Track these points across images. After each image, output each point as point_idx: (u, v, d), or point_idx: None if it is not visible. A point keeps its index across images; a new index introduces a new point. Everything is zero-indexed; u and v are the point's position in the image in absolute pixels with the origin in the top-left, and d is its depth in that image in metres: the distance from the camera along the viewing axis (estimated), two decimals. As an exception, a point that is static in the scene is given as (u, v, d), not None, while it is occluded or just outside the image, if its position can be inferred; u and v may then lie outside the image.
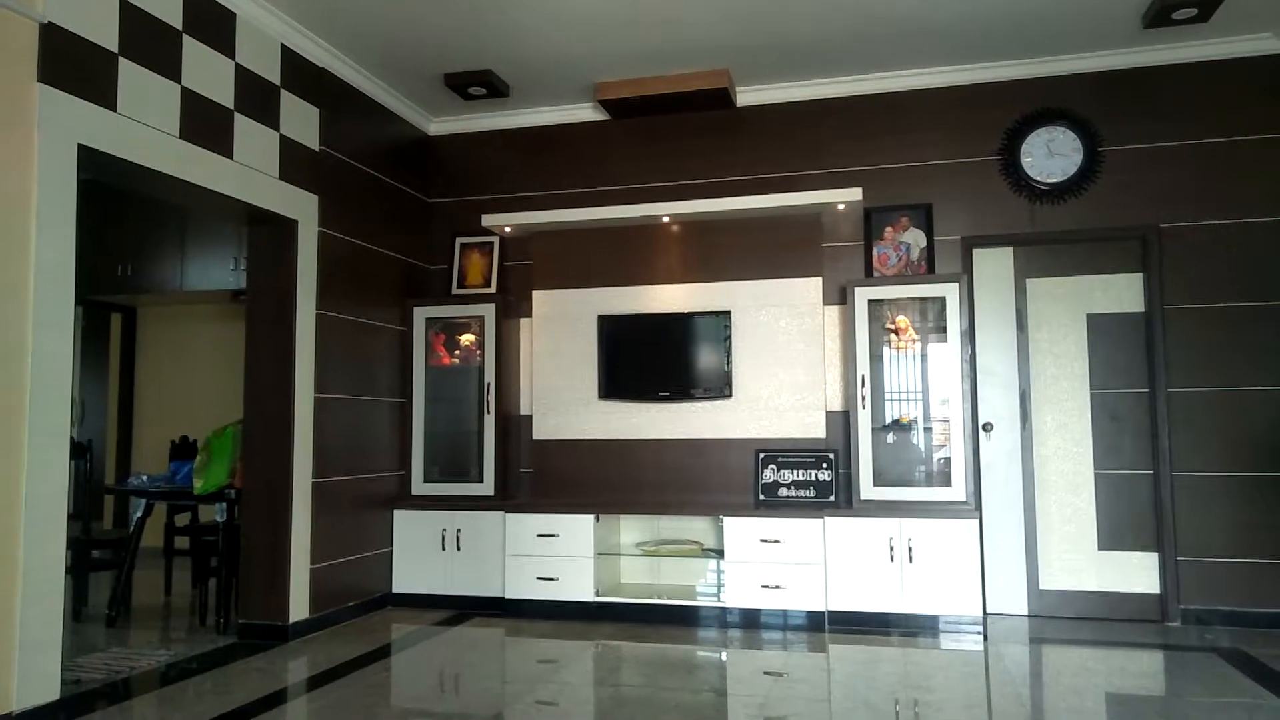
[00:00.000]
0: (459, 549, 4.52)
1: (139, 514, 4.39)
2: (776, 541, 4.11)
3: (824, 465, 4.34)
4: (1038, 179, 4.30)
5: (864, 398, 4.19)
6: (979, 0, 3.74)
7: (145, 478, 4.46)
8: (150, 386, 6.42)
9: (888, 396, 4.33)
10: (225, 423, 4.38)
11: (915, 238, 4.42)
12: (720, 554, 4.24)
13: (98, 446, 6.04)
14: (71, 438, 2.96)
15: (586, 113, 4.92)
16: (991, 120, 4.40)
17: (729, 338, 4.52)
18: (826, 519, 4.08)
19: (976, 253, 4.43)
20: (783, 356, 4.50)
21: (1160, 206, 4.19)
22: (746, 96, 4.68)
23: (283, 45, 3.90)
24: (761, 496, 4.38)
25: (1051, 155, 4.29)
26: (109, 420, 6.28)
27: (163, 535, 5.02)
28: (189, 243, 5.45)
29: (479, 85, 4.56)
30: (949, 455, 4.12)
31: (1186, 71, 4.20)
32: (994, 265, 4.41)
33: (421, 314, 4.78)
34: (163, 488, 4.31)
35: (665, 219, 4.61)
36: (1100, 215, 4.25)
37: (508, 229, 4.79)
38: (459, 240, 5.01)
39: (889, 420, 4.32)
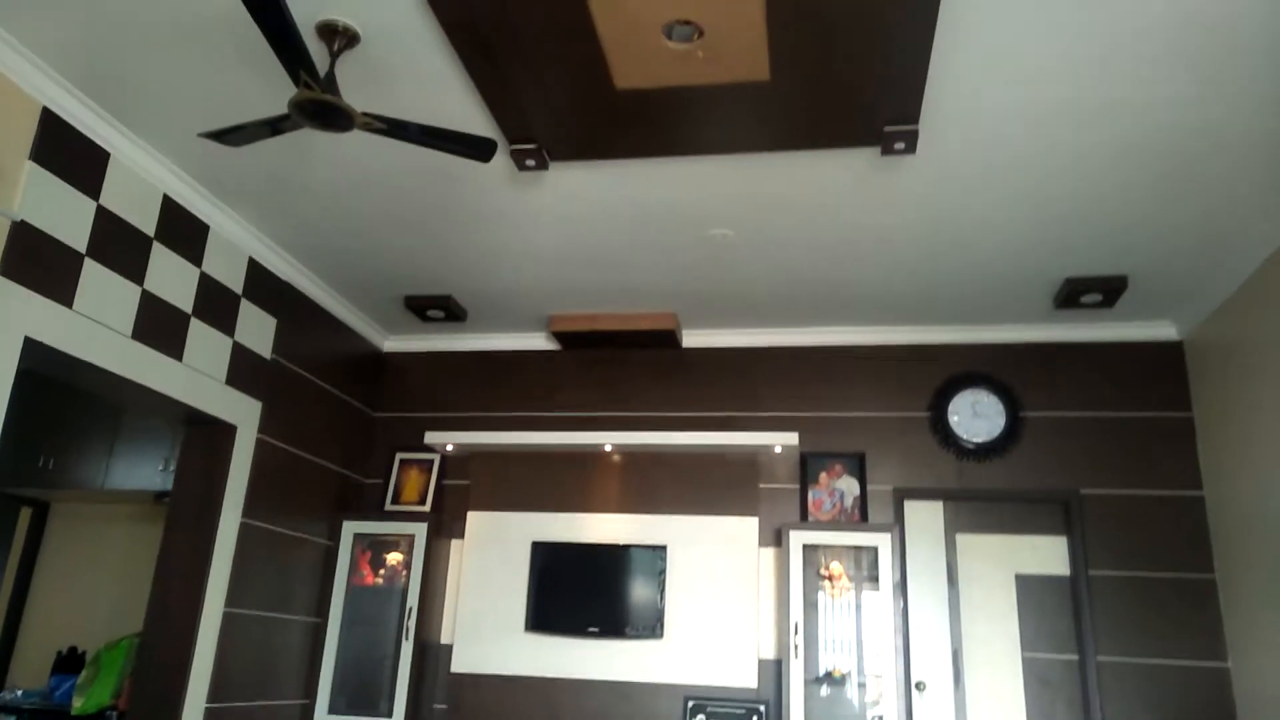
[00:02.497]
0: (357, 793, 4.13)
1: (3, 734, 3.98)
2: (701, 801, 3.84)
3: (754, 719, 4.15)
4: (964, 438, 4.49)
5: (797, 646, 4.10)
6: (904, 275, 4.08)
7: (19, 693, 4.08)
8: (48, 588, 6.00)
9: (821, 646, 4.24)
10: (123, 634, 4.08)
11: (849, 485, 4.52)
12: (641, 813, 3.94)
13: (-26, 651, 5.53)
14: (-52, 643, 2.73)
15: (539, 341, 5.09)
16: (921, 378, 4.65)
17: (663, 572, 4.45)
18: (755, 778, 3.85)
19: (908, 504, 4.52)
20: (717, 597, 4.42)
21: (1080, 473, 4.38)
22: (692, 339, 4.91)
23: (250, 258, 4.03)
24: (688, 749, 4.14)
25: (976, 416, 4.51)
26: (-7, 622, 5.80)
27: (25, 760, 4.51)
28: (119, 439, 5.30)
29: (438, 309, 4.73)
30: (883, 714, 3.99)
31: (1097, 350, 4.54)
32: (925, 517, 4.50)
33: (351, 529, 4.65)
34: (36, 705, 3.94)
35: (607, 448, 4.67)
36: (1024, 477, 4.42)
37: (450, 448, 4.79)
38: (399, 455, 4.98)
39: (822, 672, 4.20)
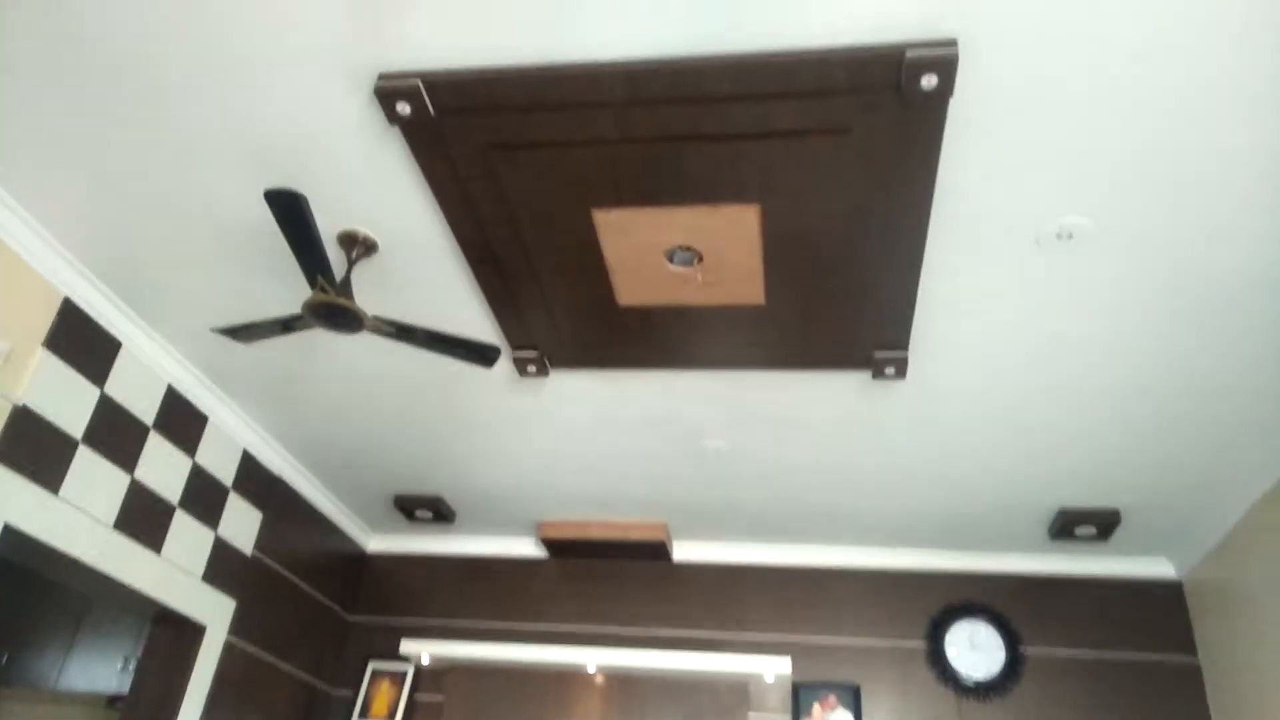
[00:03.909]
0: None
1: None
2: None
3: None
4: (963, 673, 4.29)
5: None
6: (897, 497, 4.07)
7: None
8: (-27, 797, 5.51)
9: None
10: None
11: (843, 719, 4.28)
12: None
13: None
14: None
15: (527, 547, 4.99)
16: (917, 606, 4.51)
17: (643, 812, 4.11)
18: None
19: (907, 743, 4.25)
20: (700, 842, 4.06)
21: (1087, 718, 4.15)
22: (683, 551, 4.82)
23: (245, 450, 4.03)
24: None
25: (974, 649, 4.33)
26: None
27: None
28: (80, 634, 5.06)
29: (426, 509, 4.67)
30: None
31: (1095, 585, 4.44)
32: (925, 759, 4.21)
33: (311, 745, 4.34)
34: None
35: (591, 669, 4.45)
36: None
37: (425, 659, 4.56)
38: (372, 664, 4.73)
39: None
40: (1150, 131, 2.16)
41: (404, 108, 2.22)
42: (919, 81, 2.01)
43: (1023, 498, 3.97)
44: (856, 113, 2.14)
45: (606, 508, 4.51)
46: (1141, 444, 3.47)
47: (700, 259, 2.70)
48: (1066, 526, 4.09)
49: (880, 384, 3.27)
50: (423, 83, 2.17)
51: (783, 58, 2.04)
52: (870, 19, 1.95)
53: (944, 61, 1.97)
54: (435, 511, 4.68)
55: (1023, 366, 3.09)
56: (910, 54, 1.97)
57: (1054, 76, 2.05)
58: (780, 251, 2.63)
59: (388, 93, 2.20)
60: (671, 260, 2.73)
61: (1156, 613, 4.32)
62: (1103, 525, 4.05)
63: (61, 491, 3.04)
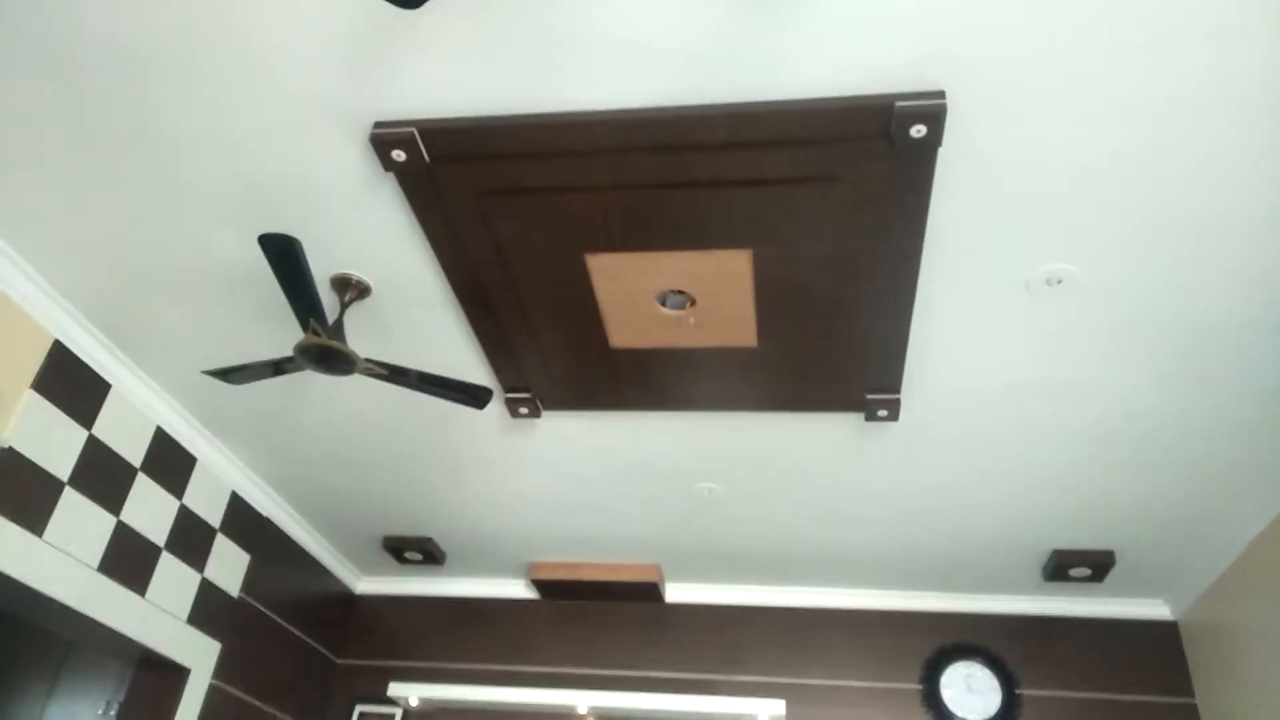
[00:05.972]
0: None
1: None
2: None
3: None
4: (959, 715, 4.24)
5: None
6: (890, 539, 4.05)
7: None
8: (-53, 846, 5.37)
9: None
10: None
11: (839, 764, 4.22)
12: None
13: None
14: None
15: (518, 589, 4.94)
16: (911, 647, 4.47)
17: None
18: None
19: (902, 789, 4.20)
20: None
21: (1083, 760, 4.11)
22: (675, 593, 4.77)
23: (233, 491, 4.00)
24: None
25: (971, 692, 4.29)
26: None
27: None
28: (61, 679, 4.96)
29: (416, 551, 4.63)
30: None
31: (1091, 626, 4.41)
32: (921, 806, 4.16)
33: (296, 792, 4.26)
34: None
35: (581, 710, 4.39)
36: (1025, 762, 4.14)
37: (414, 702, 4.50)
38: (359, 708, 4.66)
39: None
40: (1134, 184, 2.19)
41: (399, 155, 2.23)
42: (908, 131, 2.03)
43: (1016, 539, 3.96)
44: (847, 161, 2.16)
45: (598, 549, 4.48)
46: (1134, 485, 3.47)
47: (692, 302, 2.71)
48: (1060, 568, 4.07)
49: (873, 426, 3.27)
50: (418, 131, 2.18)
51: (775, 108, 2.06)
52: (860, 71, 1.98)
53: (932, 112, 2.00)
54: (425, 553, 4.63)
55: (1014, 409, 3.09)
56: (900, 105, 1.99)
57: (1039, 128, 2.07)
58: (772, 295, 2.64)
59: (383, 141, 2.21)
60: (664, 304, 2.74)
61: (1153, 654, 4.30)
62: (1097, 567, 4.04)
63: (46, 534, 3.00)
